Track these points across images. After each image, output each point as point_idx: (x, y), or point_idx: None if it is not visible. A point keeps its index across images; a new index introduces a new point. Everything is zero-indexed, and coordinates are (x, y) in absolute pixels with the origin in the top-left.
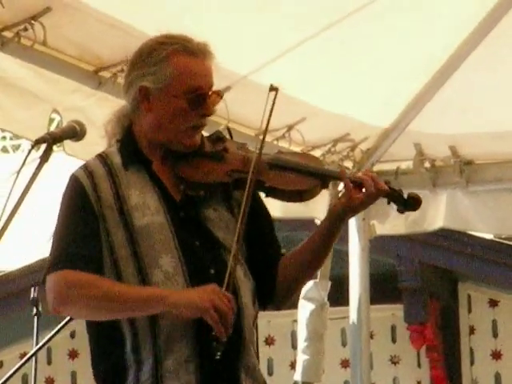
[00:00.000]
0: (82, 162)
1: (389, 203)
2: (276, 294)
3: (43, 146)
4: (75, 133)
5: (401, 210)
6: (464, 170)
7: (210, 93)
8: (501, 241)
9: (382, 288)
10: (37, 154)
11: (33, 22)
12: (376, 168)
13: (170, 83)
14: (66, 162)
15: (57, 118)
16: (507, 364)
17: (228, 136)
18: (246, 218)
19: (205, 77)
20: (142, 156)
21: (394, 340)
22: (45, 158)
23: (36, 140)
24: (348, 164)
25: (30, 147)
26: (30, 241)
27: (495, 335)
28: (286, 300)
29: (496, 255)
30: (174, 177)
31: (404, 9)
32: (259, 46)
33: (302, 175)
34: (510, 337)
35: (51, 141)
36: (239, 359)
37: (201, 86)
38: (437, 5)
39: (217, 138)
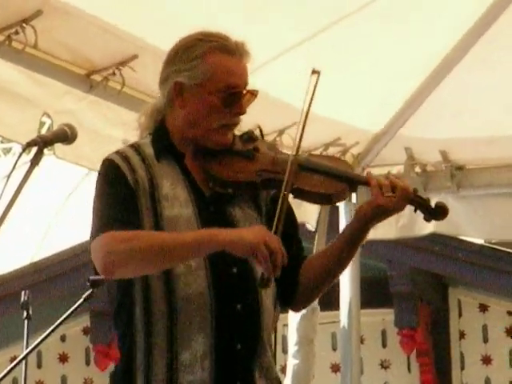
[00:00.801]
0: (72, 166)
1: (415, 211)
2: (297, 296)
3: (34, 150)
4: (66, 136)
5: (427, 219)
6: (455, 175)
7: (244, 92)
8: (491, 246)
9: (372, 292)
10: (28, 157)
11: (24, 25)
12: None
13: (204, 80)
14: (56, 166)
15: (48, 121)
16: (497, 369)
17: (259, 136)
18: (268, 221)
19: (240, 76)
20: (175, 149)
21: (384, 344)
22: (35, 161)
23: (27, 143)
24: None
25: (20, 150)
26: (21, 244)
27: (485, 340)
28: (307, 303)
29: (486, 260)
30: (204, 173)
31: (395, 15)
32: (252, 49)
33: (331, 178)
34: (500, 342)
35: (42, 144)
36: (255, 358)
37: (235, 84)
38: (428, 11)
39: (248, 137)
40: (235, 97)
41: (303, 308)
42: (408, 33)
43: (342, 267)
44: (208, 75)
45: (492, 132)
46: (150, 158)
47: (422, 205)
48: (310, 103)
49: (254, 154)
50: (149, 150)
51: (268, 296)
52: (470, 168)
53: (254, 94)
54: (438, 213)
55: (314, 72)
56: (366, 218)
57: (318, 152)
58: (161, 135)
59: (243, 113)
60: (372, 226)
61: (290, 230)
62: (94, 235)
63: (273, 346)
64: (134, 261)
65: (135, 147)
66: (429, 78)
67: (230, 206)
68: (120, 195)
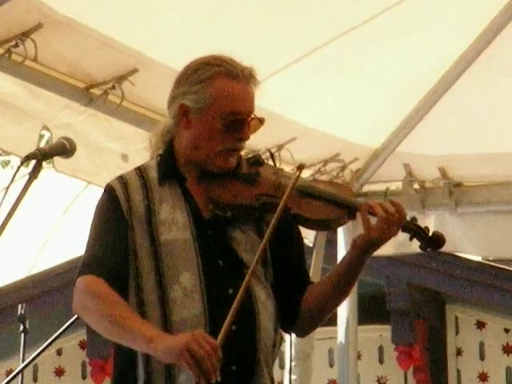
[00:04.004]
0: (71, 179)
1: (411, 240)
2: (299, 322)
3: (33, 163)
4: (65, 149)
5: (423, 248)
6: (453, 192)
7: (249, 118)
8: (489, 263)
9: (369, 309)
10: (26, 170)
11: (24, 38)
12: (365, 189)
13: (209, 104)
14: (54, 179)
15: (47, 134)
16: None
17: (270, 160)
18: (272, 242)
19: (244, 102)
20: (178, 172)
21: (381, 361)
22: (34, 174)
23: (25, 156)
24: None
25: (19, 163)
26: (18, 257)
27: (482, 357)
28: (309, 330)
29: (484, 277)
30: (206, 196)
31: (394, 32)
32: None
33: (329, 204)
34: (497, 359)
35: (41, 157)
36: (251, 380)
37: (239, 110)
38: (428, 28)
39: (255, 161)
40: (238, 123)
41: (306, 334)
42: (407, 50)
43: (342, 295)
44: (212, 100)
45: (490, 149)
46: (152, 182)
47: (418, 233)
48: (292, 188)
49: (255, 177)
50: (153, 174)
51: (266, 318)
52: (468, 185)
53: (260, 121)
54: (435, 242)
55: (299, 167)
56: (362, 250)
57: (316, 168)
58: (166, 158)
59: (246, 139)
60: (370, 254)
61: (295, 255)
62: (78, 272)
63: (272, 368)
64: (90, 318)
65: (140, 170)
66: (427, 95)
67: (230, 228)
68: (111, 233)
